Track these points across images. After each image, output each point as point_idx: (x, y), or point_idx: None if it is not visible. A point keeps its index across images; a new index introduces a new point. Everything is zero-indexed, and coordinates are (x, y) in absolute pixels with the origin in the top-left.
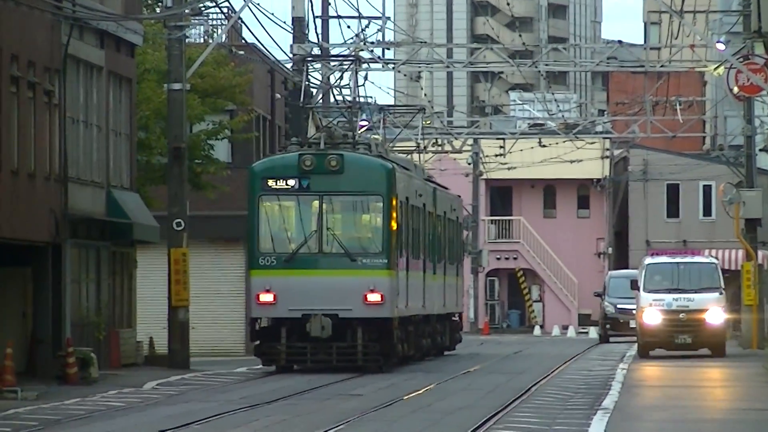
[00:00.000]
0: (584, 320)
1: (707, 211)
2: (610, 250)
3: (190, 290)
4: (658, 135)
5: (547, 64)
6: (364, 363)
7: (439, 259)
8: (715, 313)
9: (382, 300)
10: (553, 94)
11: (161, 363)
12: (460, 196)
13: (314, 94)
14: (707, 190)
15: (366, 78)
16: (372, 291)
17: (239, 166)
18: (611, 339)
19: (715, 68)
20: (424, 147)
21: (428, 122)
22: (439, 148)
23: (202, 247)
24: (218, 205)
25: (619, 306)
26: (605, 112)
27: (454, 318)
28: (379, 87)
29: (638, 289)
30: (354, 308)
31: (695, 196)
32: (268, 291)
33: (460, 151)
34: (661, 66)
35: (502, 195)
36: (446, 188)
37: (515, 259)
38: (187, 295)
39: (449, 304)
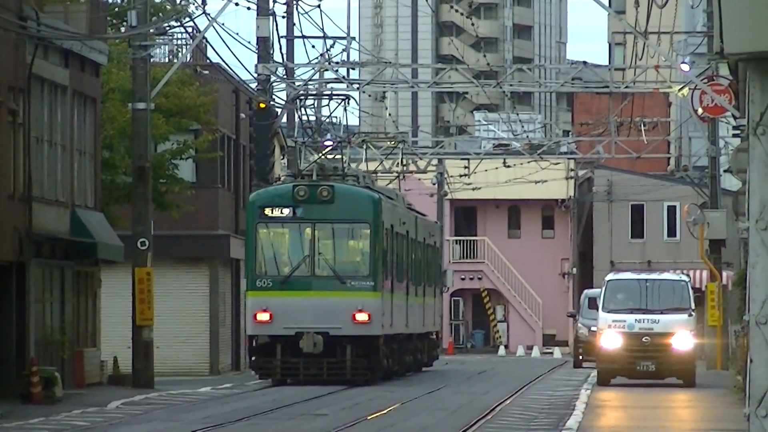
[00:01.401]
0: (549, 340)
1: (672, 232)
2: (574, 270)
3: (154, 310)
4: (622, 156)
5: (511, 85)
6: (352, 377)
7: (419, 281)
8: (682, 337)
9: (369, 319)
10: (517, 114)
11: (125, 382)
12: (438, 223)
13: (279, 114)
14: (672, 210)
15: (330, 98)
16: (360, 311)
17: (204, 186)
18: (585, 364)
19: (680, 89)
20: (400, 172)
21: (392, 143)
22: (404, 168)
23: (166, 266)
24: (183, 225)
25: (593, 328)
26: (570, 133)
27: (431, 336)
28: (344, 108)
29: (597, 309)
30: (343, 326)
31: (660, 216)
32: (264, 311)
33: (424, 171)
34: (626, 87)
35: (466, 215)
36: (425, 215)
37: (480, 279)
38: (152, 315)
39: (428, 323)
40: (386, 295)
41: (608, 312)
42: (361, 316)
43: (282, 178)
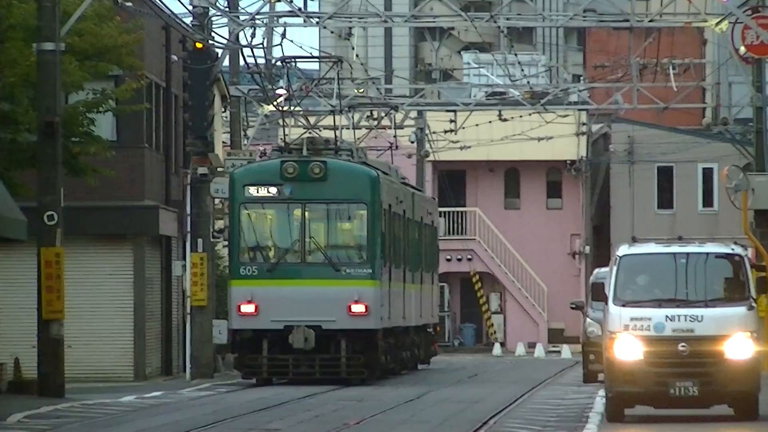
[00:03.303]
0: (555, 336)
1: (708, 201)
2: (587, 249)
3: (65, 300)
4: (646, 106)
5: (508, 18)
6: (347, 375)
7: (416, 266)
8: (739, 343)
9: (366, 311)
10: (516, 55)
11: (29, 390)
12: (435, 199)
13: (219, 56)
14: (708, 174)
15: (283, 36)
16: (356, 302)
17: (127, 146)
18: (601, 376)
19: (717, 23)
20: (341, 110)
21: (360, 90)
22: (375, 123)
23: (80, 245)
24: (101, 194)
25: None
26: (581, 78)
27: (429, 330)
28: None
29: (606, 301)
30: (338, 319)
31: (693, 181)
32: (249, 302)
33: (401, 127)
34: (651, 20)
35: (453, 181)
36: (420, 190)
37: (469, 260)
38: (62, 306)
39: (425, 315)
40: (384, 283)
41: (623, 305)
42: (358, 308)
43: (268, 153)
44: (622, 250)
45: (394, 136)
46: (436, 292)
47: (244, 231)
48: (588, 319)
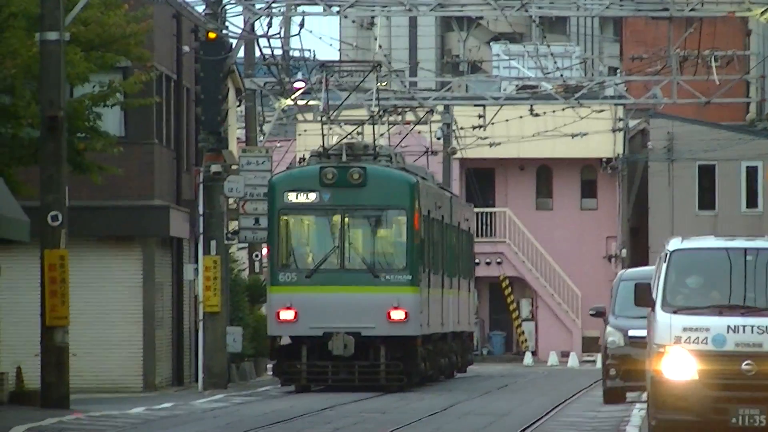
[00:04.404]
0: (590, 345)
1: (752, 201)
2: (623, 252)
3: (70, 305)
4: (687, 101)
5: (541, 7)
6: (386, 383)
7: (454, 272)
8: None
9: (406, 317)
10: (548, 46)
11: (32, 401)
12: (471, 204)
13: (233, 46)
14: (752, 172)
15: (302, 25)
16: (396, 308)
17: (135, 141)
18: (627, 393)
19: (763, 13)
20: (380, 116)
21: (384, 84)
22: (399, 118)
23: (86, 248)
24: (108, 193)
25: (632, 333)
26: (618, 71)
27: (465, 337)
28: (320, 38)
29: (653, 307)
30: (377, 326)
31: (736, 180)
32: (288, 308)
33: (426, 122)
34: (691, 10)
35: (481, 180)
36: (457, 195)
37: (499, 264)
38: (67, 312)
39: (462, 321)
40: (424, 290)
41: (674, 312)
42: (397, 314)
43: (307, 159)
44: (674, 243)
45: (419, 132)
46: (472, 300)
47: (283, 237)
48: (609, 327)
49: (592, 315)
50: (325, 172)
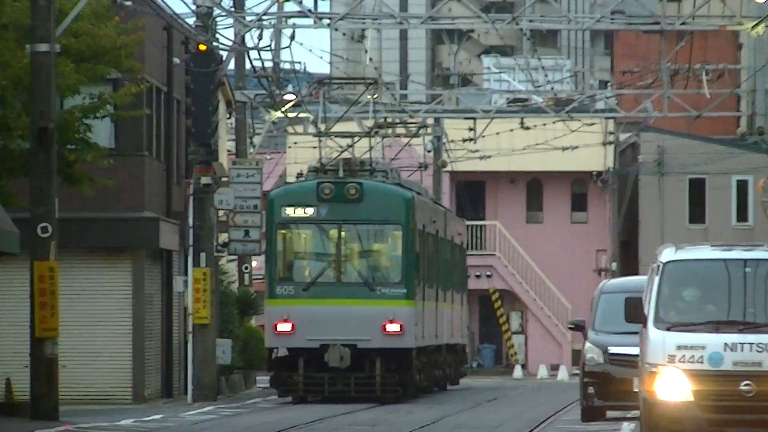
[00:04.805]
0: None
1: (742, 215)
2: (614, 265)
3: (59, 317)
4: (678, 114)
5: (531, 20)
6: (382, 394)
7: (448, 286)
8: None
9: (401, 330)
10: (539, 59)
11: (21, 413)
12: (464, 219)
13: (224, 58)
14: (742, 186)
15: (292, 38)
16: (391, 321)
17: (125, 153)
18: (606, 411)
19: (754, 26)
20: (376, 131)
21: (375, 96)
22: (390, 131)
23: (76, 259)
24: (98, 205)
25: (612, 350)
26: (608, 84)
27: (458, 349)
28: (311, 50)
29: (644, 323)
30: (373, 338)
31: (727, 194)
32: (285, 320)
33: (416, 135)
34: (683, 23)
35: (471, 193)
36: (448, 209)
37: (489, 276)
38: (56, 324)
39: (456, 334)
40: (419, 303)
41: (667, 329)
42: (393, 327)
43: (304, 174)
44: (667, 254)
45: (409, 144)
46: (465, 313)
47: (281, 251)
48: (588, 344)
49: (570, 329)
50: (323, 188)
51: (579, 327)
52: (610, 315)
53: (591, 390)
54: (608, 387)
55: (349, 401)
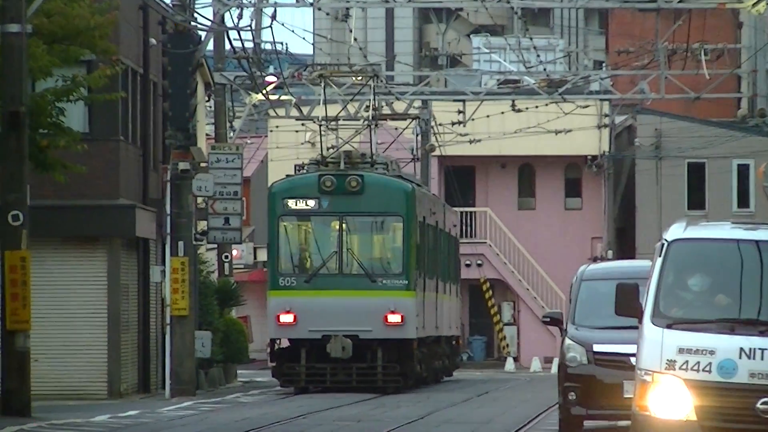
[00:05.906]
0: None
1: (743, 201)
2: (609, 253)
3: (31, 309)
4: (675, 96)
5: None
6: (383, 384)
7: (445, 277)
8: None
9: (402, 321)
10: (531, 39)
11: None
12: (457, 211)
13: (202, 39)
14: (743, 170)
15: (273, 17)
16: (392, 312)
17: (100, 138)
18: (586, 419)
19: (754, 5)
20: (373, 118)
21: (359, 79)
22: (376, 113)
23: (48, 248)
24: (71, 192)
25: (598, 348)
26: (603, 65)
27: (452, 341)
28: (292, 30)
29: (640, 318)
30: (374, 329)
31: (727, 179)
32: (288, 312)
33: (403, 117)
34: (680, 1)
35: (460, 178)
36: (438, 197)
37: (479, 265)
38: (28, 316)
39: (453, 326)
40: (419, 294)
41: (668, 326)
42: (394, 318)
43: (306, 167)
44: (674, 231)
45: (396, 128)
46: (459, 304)
47: (283, 243)
48: (567, 340)
49: (545, 322)
50: (324, 180)
51: (555, 321)
52: (593, 306)
53: (572, 396)
54: (593, 392)
55: (350, 391)
